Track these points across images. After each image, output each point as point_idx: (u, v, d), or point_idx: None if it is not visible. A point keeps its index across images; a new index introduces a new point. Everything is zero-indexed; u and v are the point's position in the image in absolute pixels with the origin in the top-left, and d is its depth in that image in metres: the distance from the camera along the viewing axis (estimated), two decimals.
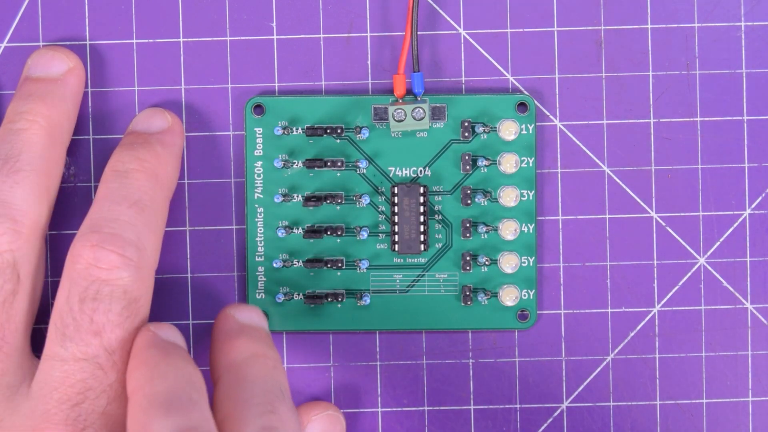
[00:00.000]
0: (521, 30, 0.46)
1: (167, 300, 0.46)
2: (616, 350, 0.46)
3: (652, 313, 0.46)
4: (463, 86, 0.46)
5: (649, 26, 0.46)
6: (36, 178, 0.42)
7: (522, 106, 0.46)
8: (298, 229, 0.46)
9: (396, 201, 0.45)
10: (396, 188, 0.46)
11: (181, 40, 0.46)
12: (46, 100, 0.44)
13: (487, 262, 0.46)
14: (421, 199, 0.45)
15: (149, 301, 0.42)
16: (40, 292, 0.44)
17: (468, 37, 0.46)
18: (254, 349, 0.41)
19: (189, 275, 0.46)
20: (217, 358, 0.42)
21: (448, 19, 0.46)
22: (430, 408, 0.46)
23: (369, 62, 0.46)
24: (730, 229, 0.46)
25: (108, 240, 0.41)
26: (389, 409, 0.46)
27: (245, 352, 0.41)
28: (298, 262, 0.46)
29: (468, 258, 0.46)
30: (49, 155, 0.43)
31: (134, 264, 0.41)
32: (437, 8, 0.46)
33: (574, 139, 0.46)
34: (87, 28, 0.46)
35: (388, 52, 0.46)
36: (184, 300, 0.46)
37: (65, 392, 0.40)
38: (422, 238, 0.45)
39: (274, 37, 0.46)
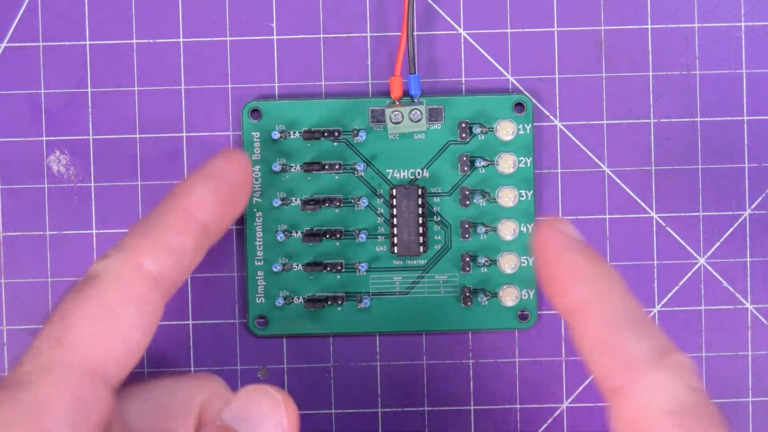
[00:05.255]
0: (521, 30, 0.46)
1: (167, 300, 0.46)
2: None
3: (652, 313, 0.46)
4: (463, 86, 0.46)
5: (649, 26, 0.46)
6: None
7: (519, 106, 0.46)
8: (296, 232, 0.46)
9: (394, 203, 0.45)
10: (394, 190, 0.45)
11: (181, 40, 0.46)
12: None
13: (486, 263, 0.46)
14: (420, 201, 0.45)
15: None
16: None
17: (468, 37, 0.46)
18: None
19: (188, 276, 0.46)
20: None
21: (448, 19, 0.46)
22: (430, 408, 0.46)
23: (369, 63, 0.46)
24: (730, 229, 0.46)
25: None
26: (389, 410, 0.46)
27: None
28: (298, 265, 0.46)
29: (467, 259, 0.46)
30: None
31: None
32: (437, 8, 0.46)
33: (574, 139, 0.46)
34: (87, 28, 0.46)
35: (389, 52, 0.46)
36: (184, 300, 0.46)
37: None
38: (421, 239, 0.45)
39: (274, 37, 0.46)
